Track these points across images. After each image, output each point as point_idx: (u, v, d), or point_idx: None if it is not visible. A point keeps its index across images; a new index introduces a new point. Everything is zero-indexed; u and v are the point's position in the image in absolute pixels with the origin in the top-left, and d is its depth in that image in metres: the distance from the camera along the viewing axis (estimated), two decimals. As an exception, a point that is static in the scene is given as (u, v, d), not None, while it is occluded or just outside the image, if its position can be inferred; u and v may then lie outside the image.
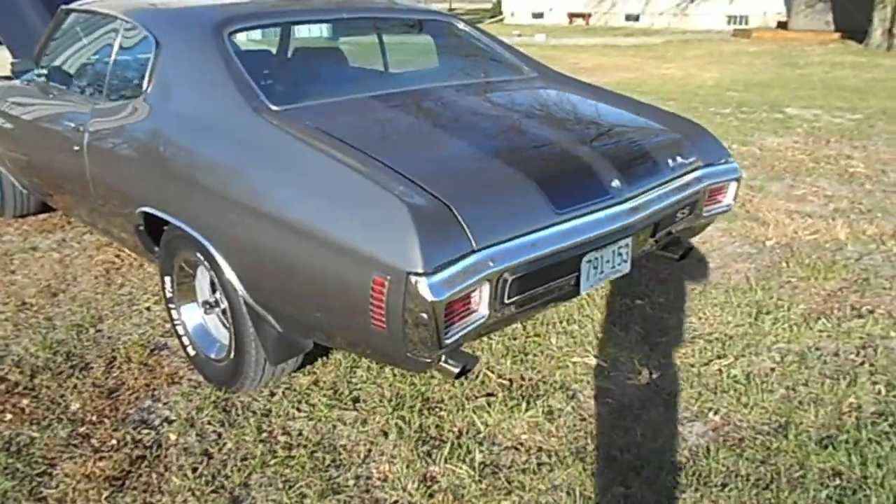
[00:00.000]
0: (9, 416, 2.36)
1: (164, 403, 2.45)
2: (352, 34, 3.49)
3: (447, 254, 1.71)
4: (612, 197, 2.16)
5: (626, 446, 2.23)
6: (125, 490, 2.03)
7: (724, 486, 2.04)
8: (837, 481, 2.05)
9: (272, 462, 2.15)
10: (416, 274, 1.65)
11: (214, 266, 2.21)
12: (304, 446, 2.22)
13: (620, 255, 2.30)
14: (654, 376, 2.62)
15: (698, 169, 2.58)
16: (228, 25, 2.46)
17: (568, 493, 2.02)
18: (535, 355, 2.76)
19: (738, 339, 2.87)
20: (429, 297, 1.64)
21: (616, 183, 2.20)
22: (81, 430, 2.30)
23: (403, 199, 1.77)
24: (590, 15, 25.53)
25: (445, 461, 2.15)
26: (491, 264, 1.79)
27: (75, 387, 2.53)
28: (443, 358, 1.89)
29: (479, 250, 1.78)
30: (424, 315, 1.66)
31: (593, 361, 2.72)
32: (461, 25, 3.27)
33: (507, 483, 2.07)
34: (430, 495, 2.02)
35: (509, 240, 1.86)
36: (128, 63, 2.76)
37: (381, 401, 2.45)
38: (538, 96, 2.88)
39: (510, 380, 2.59)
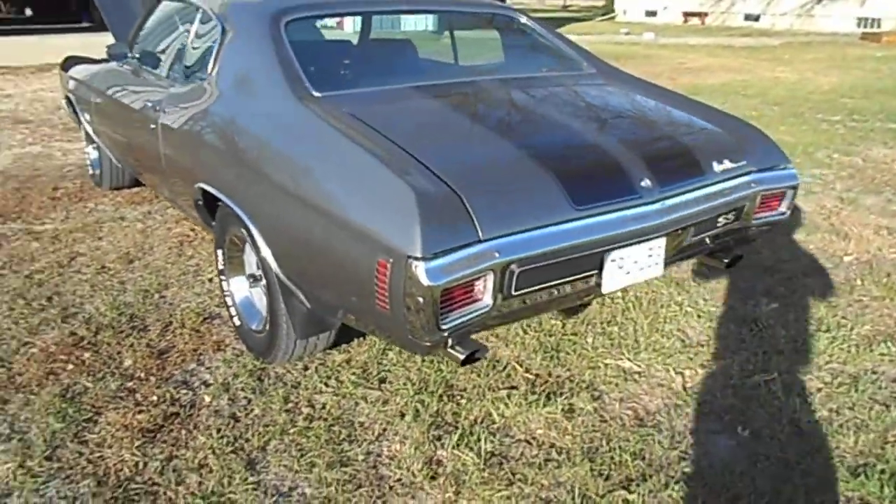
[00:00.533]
0: (70, 367, 2.60)
1: (206, 368, 2.62)
2: (459, 28, 3.53)
3: (449, 241, 1.74)
4: (639, 196, 2.12)
5: (641, 452, 2.18)
6: (155, 442, 2.19)
7: (733, 501, 1.96)
8: (861, 511, 1.93)
9: (291, 431, 2.25)
10: (416, 258, 1.69)
11: (253, 242, 2.33)
12: (325, 419, 2.32)
13: (651, 256, 2.24)
14: (688, 385, 2.55)
15: (748, 174, 2.47)
16: (286, 15, 2.58)
17: (569, 492, 2.01)
18: (567, 353, 2.73)
19: (788, 354, 2.73)
20: (426, 281, 1.68)
21: (646, 182, 2.15)
22: (129, 384, 2.50)
23: (413, 184, 1.81)
24: (706, 14, 24.56)
25: (454, 447, 2.18)
26: (497, 255, 1.81)
27: (131, 345, 2.74)
28: (450, 343, 1.93)
29: (486, 241, 1.80)
30: (421, 299, 1.70)
31: (627, 364, 2.67)
32: (524, 20, 3.26)
33: (511, 474, 2.08)
34: (433, 478, 2.06)
35: (519, 232, 1.87)
36: (199, 48, 2.95)
37: (405, 384, 2.51)
38: (588, 92, 2.84)
39: (537, 375, 2.59)
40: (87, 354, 2.68)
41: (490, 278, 1.83)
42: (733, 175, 2.42)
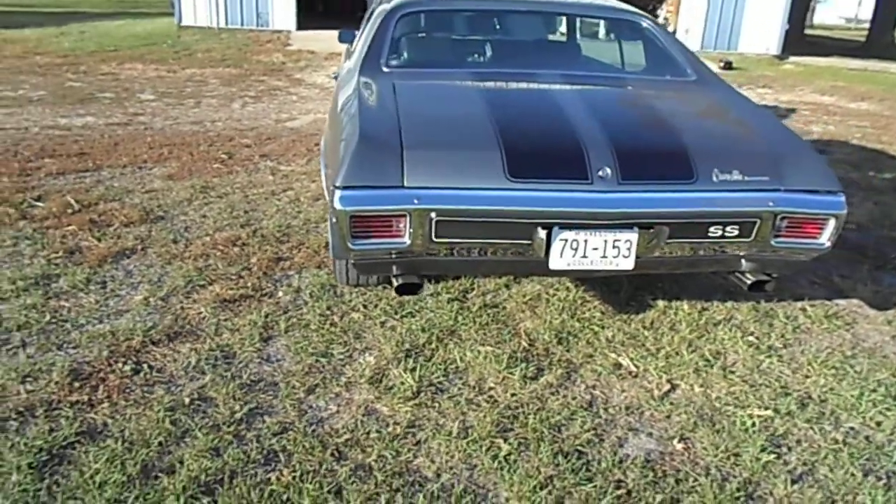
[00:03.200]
0: (217, 253, 3.54)
1: (300, 276, 3.36)
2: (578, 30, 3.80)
3: (369, 179, 2.17)
4: (589, 182, 2.25)
5: (558, 426, 2.32)
6: (225, 307, 2.99)
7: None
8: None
9: (312, 326, 2.86)
10: (337, 187, 2.16)
11: None
12: (337, 325, 2.88)
13: (616, 248, 2.34)
14: (670, 396, 2.52)
15: (767, 191, 2.35)
16: (401, 8, 3.17)
17: (461, 430, 2.28)
18: (577, 337, 2.87)
19: (799, 397, 2.50)
20: (338, 206, 2.14)
21: (605, 172, 2.26)
22: (241, 272, 3.36)
23: (366, 134, 2.28)
24: None
25: (407, 368, 2.57)
26: (415, 202, 2.18)
27: (265, 251, 3.61)
28: (394, 270, 2.35)
29: (408, 188, 2.18)
30: (335, 219, 2.17)
31: (625, 362, 2.72)
32: (644, 24, 3.34)
33: (429, 402, 2.41)
34: (371, 382, 2.49)
35: (445, 188, 2.20)
36: (360, 33, 3.72)
37: (420, 322, 2.93)
38: (654, 93, 2.89)
39: (531, 344, 2.80)
40: (234, 249, 3.63)
41: (408, 220, 2.20)
42: (739, 188, 2.34)
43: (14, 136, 5.78)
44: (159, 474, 2.00)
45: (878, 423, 2.42)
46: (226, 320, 2.89)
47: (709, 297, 3.25)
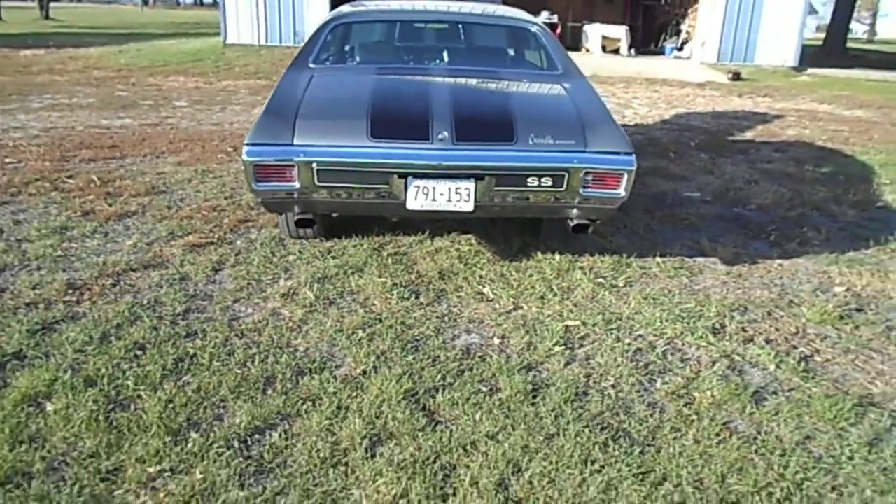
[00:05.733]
0: (200, 216, 4.45)
1: (258, 233, 4.22)
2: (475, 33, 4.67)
3: (267, 139, 3.03)
4: (430, 142, 3.04)
5: (411, 332, 3.09)
6: (194, 251, 3.87)
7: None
8: None
9: (255, 263, 3.71)
10: (245, 144, 3.02)
11: None
12: (261, 262, 3.73)
13: (458, 194, 3.12)
14: (509, 312, 3.27)
15: (573, 152, 3.10)
16: (338, 19, 4.04)
17: (336, 331, 3.08)
18: (456, 275, 3.63)
19: (610, 316, 3.22)
20: (244, 157, 3.01)
21: (443, 135, 3.06)
22: (212, 228, 4.24)
23: (272, 109, 3.13)
24: None
25: (312, 287, 3.39)
26: (301, 155, 3.02)
27: (236, 214, 4.50)
28: (294, 209, 3.19)
29: (296, 146, 3.02)
30: (244, 167, 3.02)
31: (486, 290, 3.47)
32: (533, 29, 4.11)
33: (322, 310, 3.22)
34: (286, 297, 3.32)
35: (324, 146, 3.03)
36: None
37: (358, 245, 3.75)
38: (517, 82, 3.69)
39: (419, 277, 3.58)
40: (213, 214, 4.53)
41: (297, 169, 3.04)
42: (550, 149, 3.10)
43: (61, 132, 6.90)
44: (113, 340, 2.87)
45: (663, 333, 3.11)
46: (190, 258, 3.78)
47: (581, 253, 3.97)
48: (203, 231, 4.18)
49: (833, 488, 2.16)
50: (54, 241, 3.92)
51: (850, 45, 30.81)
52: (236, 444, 2.25)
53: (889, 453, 2.31)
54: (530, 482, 2.12)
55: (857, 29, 61.95)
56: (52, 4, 34.48)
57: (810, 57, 18.71)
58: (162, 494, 2.02)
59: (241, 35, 15.28)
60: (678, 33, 18.67)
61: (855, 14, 58.63)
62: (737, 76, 13.65)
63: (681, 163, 6.49)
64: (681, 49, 17.91)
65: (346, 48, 4.32)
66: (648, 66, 15.13)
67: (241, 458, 2.19)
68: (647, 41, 20.20)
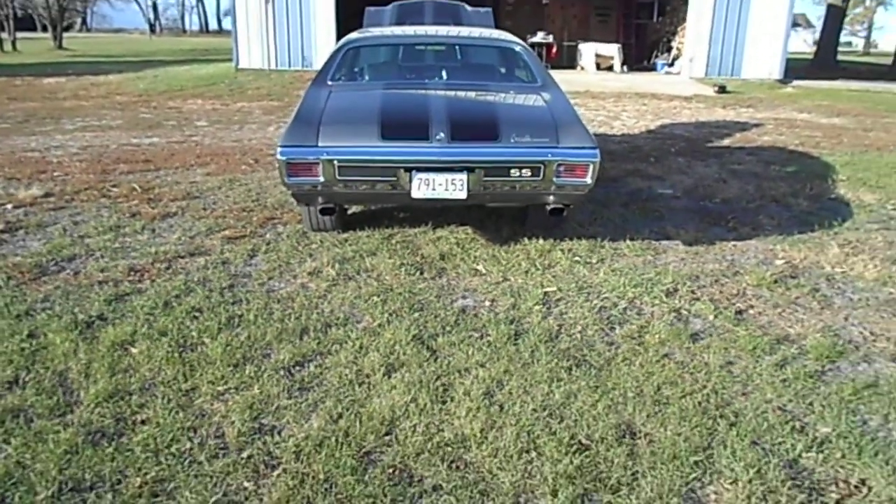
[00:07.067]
0: (233, 214, 5.14)
1: (284, 227, 4.89)
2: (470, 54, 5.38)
3: (297, 141, 3.71)
4: (429, 141, 3.72)
5: (417, 297, 3.75)
6: (232, 242, 4.54)
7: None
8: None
9: (283, 250, 4.38)
10: (279, 146, 3.71)
11: None
12: (289, 249, 4.39)
13: (454, 184, 3.79)
14: (499, 283, 3.91)
15: (546, 147, 3.77)
16: (350, 44, 4.74)
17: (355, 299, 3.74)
18: (454, 256, 4.29)
19: (583, 284, 3.86)
20: (278, 156, 3.69)
21: (440, 136, 3.73)
22: (243, 225, 4.91)
23: (301, 118, 3.82)
24: None
25: (334, 267, 4.04)
26: (325, 154, 3.69)
27: (264, 214, 5.18)
28: (319, 200, 3.87)
29: (320, 147, 3.70)
30: (277, 164, 3.71)
31: (480, 267, 4.13)
32: (517, 49, 4.81)
33: (343, 283, 3.87)
34: (312, 275, 3.98)
35: (343, 147, 3.71)
36: None
37: (371, 235, 4.41)
38: (503, 93, 4.37)
39: (423, 258, 4.23)
40: (243, 213, 5.21)
41: (321, 166, 3.71)
42: (528, 146, 3.77)
43: (98, 150, 7.63)
44: (175, 306, 3.52)
45: (625, 296, 3.75)
46: (228, 247, 4.45)
47: (561, 238, 4.62)
48: (236, 227, 4.86)
49: (743, 394, 2.79)
50: (111, 237, 4.59)
51: (846, 58, 31.67)
52: (282, 371, 2.91)
53: (790, 371, 2.95)
54: (510, 392, 2.76)
55: (857, 43, 62.98)
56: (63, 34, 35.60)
57: (802, 70, 19.47)
58: (230, 403, 2.67)
59: (252, 60, 16.11)
60: (669, 50, 19.45)
61: (851, 28, 59.74)
62: (722, 89, 14.36)
63: (659, 166, 7.16)
64: (671, 65, 18.67)
65: (358, 68, 5.01)
66: (639, 82, 15.87)
67: (287, 380, 2.84)
68: (640, 58, 21.01)
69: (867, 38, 62.07)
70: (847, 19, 45.03)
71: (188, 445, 2.42)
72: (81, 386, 2.76)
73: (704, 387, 2.83)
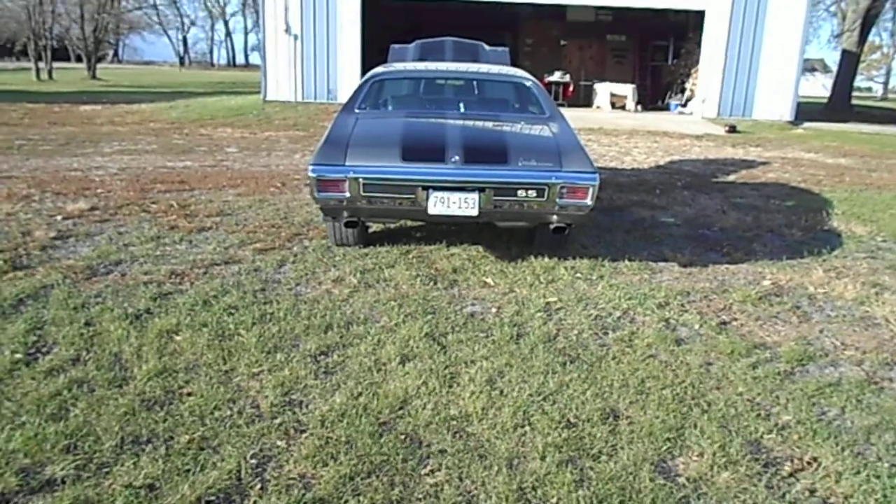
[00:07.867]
0: (263, 229, 5.57)
1: (310, 242, 5.31)
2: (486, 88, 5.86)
3: (327, 161, 4.15)
4: (444, 163, 4.14)
5: (431, 303, 4.13)
6: (262, 253, 4.97)
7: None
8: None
9: (310, 261, 4.79)
10: (311, 165, 4.15)
11: None
12: (315, 260, 4.80)
13: (467, 202, 4.20)
14: (505, 293, 4.29)
15: (551, 171, 4.17)
16: (376, 77, 5.22)
17: (377, 298, 4.13)
18: (466, 270, 4.67)
19: (582, 296, 4.22)
20: (310, 174, 4.12)
21: (455, 158, 4.15)
22: (272, 239, 5.34)
23: (330, 140, 4.26)
24: None
25: (356, 276, 4.44)
26: (351, 173, 4.12)
27: (291, 230, 5.61)
28: (344, 214, 4.29)
29: (347, 166, 4.14)
30: (309, 181, 4.14)
31: (489, 280, 4.50)
32: (528, 84, 5.26)
33: (363, 290, 4.26)
34: (336, 282, 4.37)
35: (368, 166, 4.14)
36: None
37: (397, 249, 4.81)
38: (514, 123, 4.80)
39: (438, 271, 4.62)
40: (272, 229, 5.64)
41: (348, 183, 4.14)
42: (534, 169, 4.18)
43: (136, 171, 8.16)
44: (213, 304, 3.93)
45: (620, 307, 4.10)
46: (259, 257, 4.87)
47: (565, 257, 4.99)
48: (266, 241, 5.29)
49: (717, 388, 3.13)
50: (152, 246, 5.04)
51: (863, 102, 32.03)
52: (309, 358, 3.29)
53: (761, 371, 3.28)
54: (509, 381, 3.13)
55: (876, 88, 63.41)
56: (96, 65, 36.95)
57: (816, 113, 19.85)
58: (264, 381, 3.06)
59: (280, 92, 16.79)
60: (682, 91, 19.94)
61: (868, 73, 60.20)
62: (733, 129, 14.77)
63: (664, 198, 7.54)
64: (685, 105, 19.14)
65: (382, 98, 5.47)
66: (652, 120, 16.33)
67: (313, 365, 3.22)
68: (654, 99, 21.53)
69: (885, 83, 62.48)
70: (864, 65, 45.60)
71: (228, 413, 2.80)
72: (134, 364, 3.17)
73: (683, 381, 3.17)
